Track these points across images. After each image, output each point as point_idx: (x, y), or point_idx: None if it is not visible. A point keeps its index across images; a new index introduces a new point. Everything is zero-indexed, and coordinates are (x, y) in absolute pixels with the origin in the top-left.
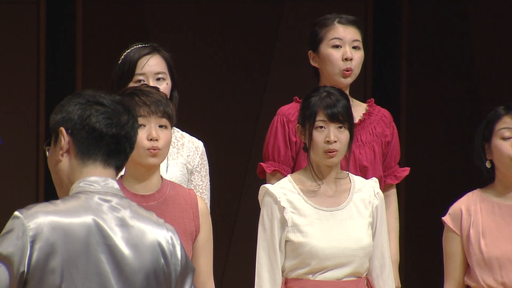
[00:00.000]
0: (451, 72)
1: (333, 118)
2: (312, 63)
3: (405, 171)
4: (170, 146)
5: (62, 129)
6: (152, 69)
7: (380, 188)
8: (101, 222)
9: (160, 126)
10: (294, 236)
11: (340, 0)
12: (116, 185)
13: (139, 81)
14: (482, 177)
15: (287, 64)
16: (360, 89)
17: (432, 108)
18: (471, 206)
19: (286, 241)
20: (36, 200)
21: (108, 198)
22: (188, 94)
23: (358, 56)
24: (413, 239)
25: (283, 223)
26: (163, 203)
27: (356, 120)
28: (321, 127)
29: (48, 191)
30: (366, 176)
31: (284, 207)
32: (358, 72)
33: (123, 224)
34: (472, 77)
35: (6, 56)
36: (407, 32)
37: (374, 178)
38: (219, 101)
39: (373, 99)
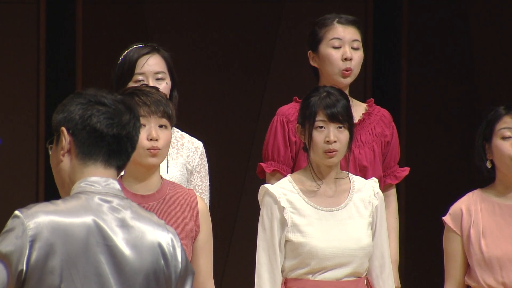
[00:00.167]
0: (451, 72)
1: (333, 118)
2: (312, 63)
3: (405, 171)
4: (170, 147)
5: (63, 129)
6: (152, 68)
7: (380, 188)
8: (101, 222)
9: (160, 126)
10: (294, 236)
11: (340, 0)
12: (117, 186)
13: (139, 80)
14: (482, 177)
15: (287, 64)
16: (360, 89)
17: (432, 108)
18: (472, 206)
19: (286, 241)
20: (36, 200)
21: (109, 198)
22: (188, 94)
23: (357, 56)
24: (413, 239)
25: (283, 223)
26: (163, 203)
27: (355, 120)
28: (321, 127)
29: (48, 191)
30: (365, 176)
31: (284, 207)
32: (357, 72)
33: (123, 225)
34: (472, 77)
35: (6, 56)
36: (407, 32)
37: (374, 178)
38: (219, 101)
39: (373, 99)
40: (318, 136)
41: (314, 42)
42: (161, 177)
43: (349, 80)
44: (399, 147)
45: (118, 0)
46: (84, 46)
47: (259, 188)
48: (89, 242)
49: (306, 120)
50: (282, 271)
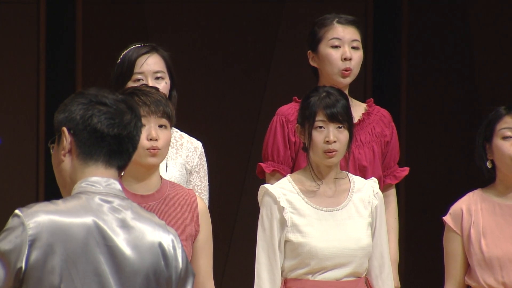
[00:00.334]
0: (451, 72)
1: (332, 118)
2: (311, 63)
3: (405, 171)
4: (169, 147)
5: (64, 129)
6: (151, 68)
7: (380, 188)
8: (101, 223)
9: (160, 126)
10: (293, 236)
11: (340, 0)
12: (118, 186)
13: (138, 80)
14: (482, 177)
15: (287, 64)
16: (360, 89)
17: (432, 108)
18: (472, 206)
19: (286, 241)
20: (36, 200)
21: (110, 199)
22: (188, 94)
23: (357, 56)
24: (413, 239)
25: (283, 223)
26: (162, 203)
27: (355, 120)
28: (321, 127)
29: (48, 191)
30: (365, 176)
31: (283, 207)
32: (357, 72)
33: (124, 225)
34: (472, 77)
35: (6, 56)
36: (407, 32)
37: (373, 178)
38: (219, 101)
39: (372, 99)
40: (318, 136)
41: (314, 42)
42: (160, 177)
43: (348, 80)
44: (398, 147)
45: (118, 0)
46: (84, 46)
47: (259, 188)
48: (89, 242)
49: (306, 120)
50: (282, 271)
